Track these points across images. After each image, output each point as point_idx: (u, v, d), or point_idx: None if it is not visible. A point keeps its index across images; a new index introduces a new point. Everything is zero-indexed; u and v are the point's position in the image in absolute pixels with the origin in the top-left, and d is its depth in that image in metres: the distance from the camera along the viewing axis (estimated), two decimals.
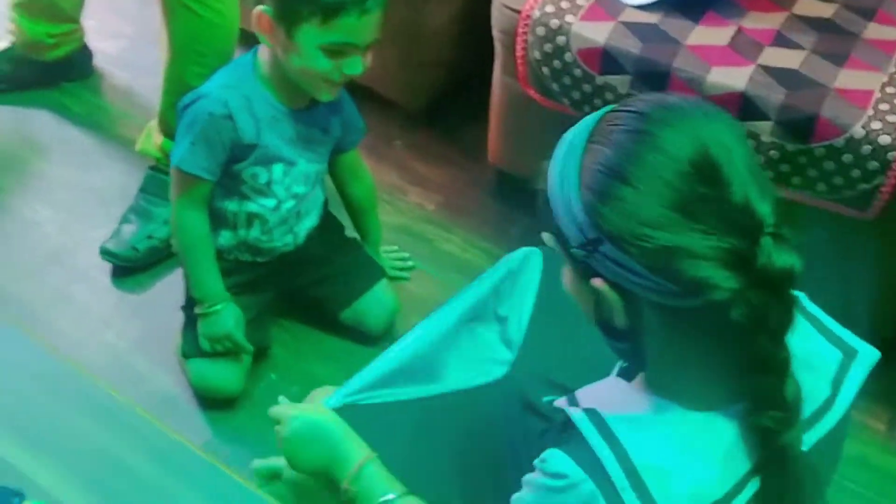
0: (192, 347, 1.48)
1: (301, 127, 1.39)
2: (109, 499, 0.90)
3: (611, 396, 0.77)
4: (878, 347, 0.82)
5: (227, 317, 1.44)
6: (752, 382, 0.70)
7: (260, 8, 1.25)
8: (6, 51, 2.00)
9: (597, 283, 0.72)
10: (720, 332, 0.69)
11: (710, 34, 1.45)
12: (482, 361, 1.15)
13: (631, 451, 0.70)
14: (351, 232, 1.65)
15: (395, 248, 1.73)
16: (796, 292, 0.73)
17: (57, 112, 2.01)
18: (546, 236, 0.77)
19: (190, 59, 1.58)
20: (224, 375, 1.48)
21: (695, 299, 0.68)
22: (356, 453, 1.01)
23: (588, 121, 0.74)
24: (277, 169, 1.39)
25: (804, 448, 0.73)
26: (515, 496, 0.77)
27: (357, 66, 1.30)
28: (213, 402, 1.51)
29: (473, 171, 1.90)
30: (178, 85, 1.61)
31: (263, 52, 1.35)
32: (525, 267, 1.20)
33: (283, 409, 1.09)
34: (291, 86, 1.35)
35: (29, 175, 1.89)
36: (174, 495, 0.91)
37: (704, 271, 0.67)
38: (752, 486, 0.72)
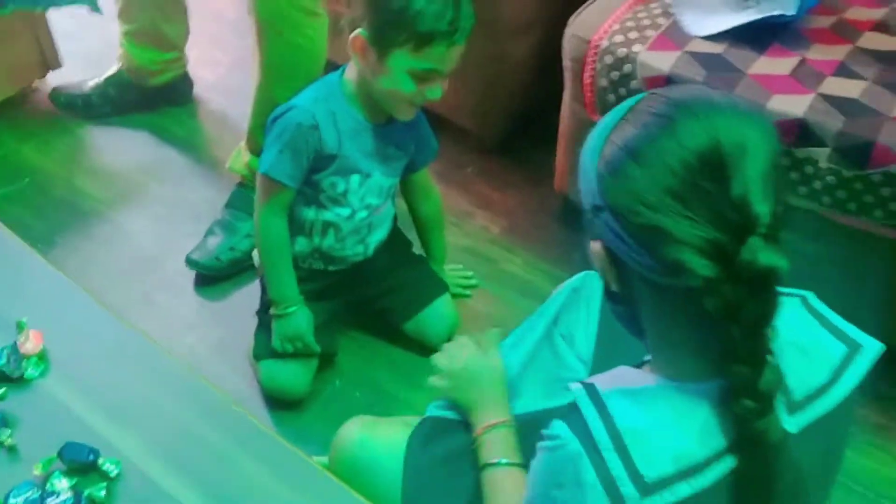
0: (263, 349, 1.57)
1: (379, 142, 1.48)
2: (176, 462, 0.98)
3: (615, 376, 0.83)
4: None
5: (301, 318, 1.53)
6: (727, 369, 0.74)
7: (358, 31, 1.35)
8: (113, 76, 2.18)
9: (595, 245, 0.80)
10: (698, 316, 0.73)
11: (773, 64, 1.48)
12: (562, 380, 1.17)
13: (616, 416, 0.76)
14: (418, 249, 1.73)
15: (460, 266, 1.80)
16: (805, 292, 0.78)
17: (157, 134, 2.17)
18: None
19: (280, 82, 1.70)
20: (292, 377, 1.56)
21: (673, 279, 0.73)
22: (501, 412, 1.11)
23: (631, 100, 0.80)
24: (354, 179, 1.48)
25: (794, 430, 0.77)
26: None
27: (438, 91, 1.39)
28: (280, 404, 1.59)
29: (539, 197, 1.96)
30: (267, 106, 1.71)
31: (350, 72, 1.45)
32: (584, 288, 1.25)
33: (475, 341, 1.19)
34: (373, 103, 1.44)
35: (128, 189, 2.04)
36: (236, 462, 0.98)
37: (683, 255, 0.71)
38: (731, 461, 0.76)
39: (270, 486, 0.97)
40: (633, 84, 1.55)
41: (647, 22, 1.60)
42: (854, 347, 0.83)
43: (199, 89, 2.26)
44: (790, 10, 1.51)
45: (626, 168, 0.74)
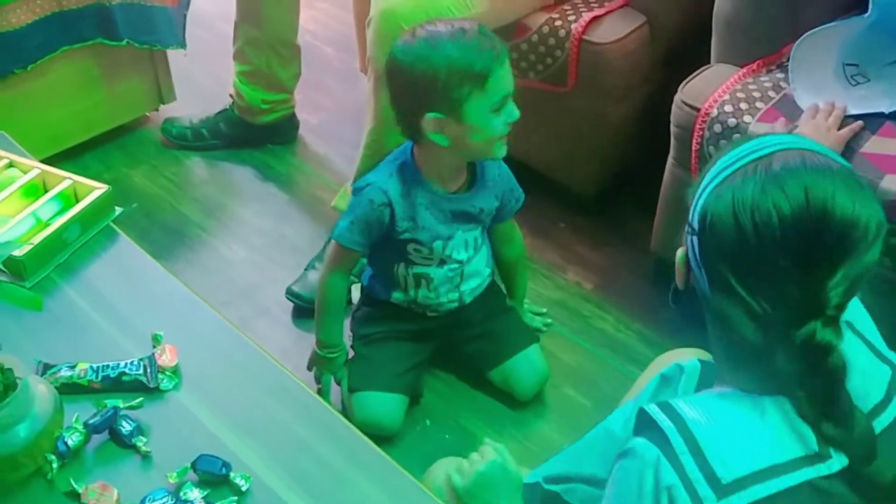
0: (357, 381, 1.61)
1: (457, 206, 1.53)
2: (300, 479, 1.02)
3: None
4: None
5: (340, 361, 1.64)
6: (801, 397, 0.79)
7: (427, 116, 1.39)
8: (224, 112, 2.28)
9: (680, 250, 0.89)
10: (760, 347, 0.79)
11: (885, 144, 1.50)
12: None
13: (690, 423, 0.80)
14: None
15: (535, 305, 1.85)
16: (849, 316, 0.81)
17: (261, 170, 2.26)
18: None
19: (391, 128, 1.75)
20: (387, 409, 1.59)
21: (723, 321, 0.80)
22: None
23: (767, 142, 0.82)
24: (437, 244, 1.54)
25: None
26: None
27: (514, 110, 1.43)
28: (371, 439, 1.61)
29: (633, 257, 1.98)
30: (377, 149, 1.79)
31: (418, 151, 1.51)
32: (675, 377, 1.26)
33: (491, 449, 1.19)
34: (446, 172, 1.51)
35: (231, 220, 2.12)
36: (357, 486, 1.02)
37: (733, 311, 0.78)
38: (806, 473, 0.79)
39: None
40: None
41: (757, 94, 1.63)
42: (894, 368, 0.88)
43: (303, 131, 2.35)
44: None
45: (724, 221, 0.79)
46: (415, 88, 1.38)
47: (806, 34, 1.61)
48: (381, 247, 1.54)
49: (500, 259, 1.73)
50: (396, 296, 1.62)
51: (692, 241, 0.84)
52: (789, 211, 0.76)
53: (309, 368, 1.67)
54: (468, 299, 1.65)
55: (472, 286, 1.65)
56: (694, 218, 0.83)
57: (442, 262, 1.57)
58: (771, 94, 1.63)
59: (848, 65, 1.62)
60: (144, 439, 1.05)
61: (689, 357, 1.11)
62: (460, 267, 1.59)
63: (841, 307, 0.76)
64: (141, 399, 1.08)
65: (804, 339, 0.75)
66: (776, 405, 0.80)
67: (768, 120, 1.57)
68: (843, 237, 0.75)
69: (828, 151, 0.82)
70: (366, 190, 1.50)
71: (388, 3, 1.70)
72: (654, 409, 0.83)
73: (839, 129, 1.48)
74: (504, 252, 1.72)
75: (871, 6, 1.56)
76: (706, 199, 0.82)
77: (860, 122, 1.50)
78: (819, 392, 0.78)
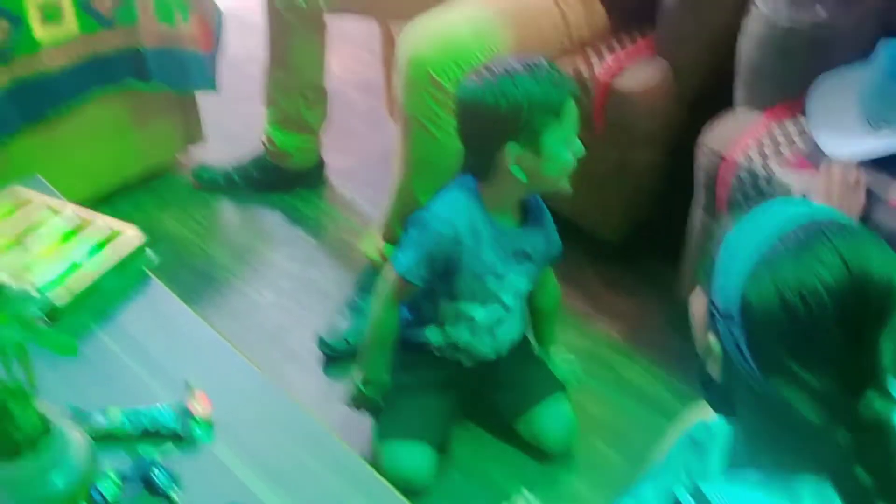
0: (388, 429, 1.61)
1: (517, 244, 1.54)
2: None
3: None
4: None
5: (378, 397, 1.62)
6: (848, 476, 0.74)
7: (509, 147, 1.41)
8: (258, 159, 2.31)
9: (712, 338, 0.81)
10: (804, 427, 0.75)
11: None
12: None
13: None
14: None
15: (566, 353, 1.82)
16: None
17: (289, 213, 2.28)
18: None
19: (421, 176, 1.77)
20: (417, 462, 1.58)
21: (784, 412, 0.75)
22: None
23: (791, 213, 0.80)
24: (490, 280, 1.54)
25: None
26: None
27: (580, 144, 1.46)
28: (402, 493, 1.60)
29: (661, 305, 1.97)
30: (406, 196, 1.81)
31: (482, 185, 1.51)
32: (702, 438, 1.23)
33: (524, 500, 1.18)
34: (510, 207, 1.52)
35: (259, 264, 2.14)
36: None
37: (795, 397, 0.74)
38: None
39: None
40: None
41: (782, 140, 1.64)
42: None
43: (330, 174, 2.37)
44: None
45: (770, 304, 0.75)
46: (496, 123, 1.40)
47: (818, 80, 1.62)
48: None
49: (535, 306, 1.71)
50: (431, 333, 1.61)
51: (730, 330, 0.79)
52: (833, 281, 0.73)
53: (382, 437, 1.63)
54: (505, 350, 1.64)
55: (511, 337, 1.64)
56: (731, 307, 0.78)
57: (488, 302, 1.57)
58: (797, 140, 1.63)
59: (868, 115, 1.61)
60: (178, 490, 1.05)
61: (713, 414, 1.09)
62: (504, 312, 1.59)
63: (889, 372, 0.74)
64: (173, 447, 1.09)
65: (866, 411, 0.73)
66: (810, 487, 0.77)
67: (795, 167, 1.57)
68: (885, 294, 0.74)
69: (834, 211, 0.81)
70: (432, 224, 1.49)
71: (416, 51, 1.72)
72: (683, 495, 0.79)
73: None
74: (539, 299, 1.70)
75: (882, 55, 1.56)
76: (745, 286, 0.77)
77: None
78: (875, 467, 0.74)
